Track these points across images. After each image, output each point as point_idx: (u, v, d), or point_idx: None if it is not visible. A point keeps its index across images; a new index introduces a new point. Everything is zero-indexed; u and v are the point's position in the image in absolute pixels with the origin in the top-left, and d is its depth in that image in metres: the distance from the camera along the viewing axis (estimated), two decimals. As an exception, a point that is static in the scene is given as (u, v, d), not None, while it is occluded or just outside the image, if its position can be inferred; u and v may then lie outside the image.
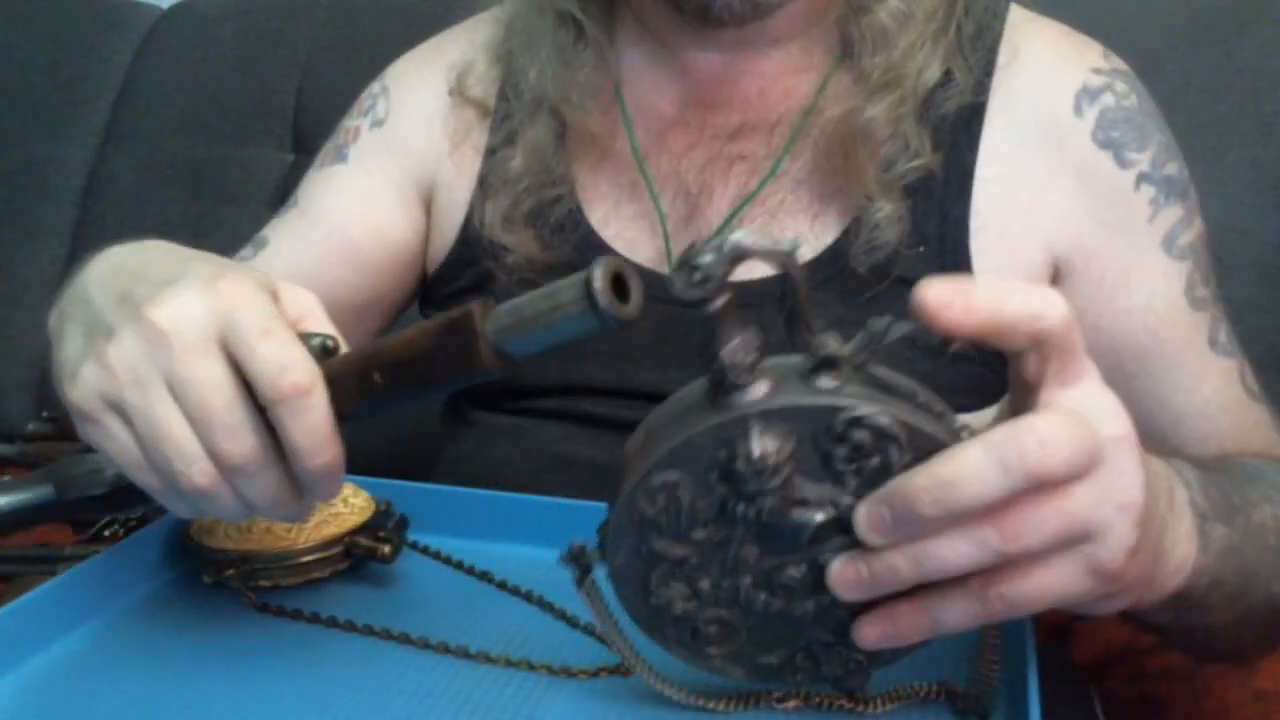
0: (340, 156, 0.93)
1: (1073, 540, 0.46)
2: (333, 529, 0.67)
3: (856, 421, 0.46)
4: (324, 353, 0.54)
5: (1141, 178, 0.78)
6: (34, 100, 1.66)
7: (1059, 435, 0.44)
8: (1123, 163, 0.78)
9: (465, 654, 0.60)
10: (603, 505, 0.62)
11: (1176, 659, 0.91)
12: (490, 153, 0.87)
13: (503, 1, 0.91)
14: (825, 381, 0.47)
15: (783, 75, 0.83)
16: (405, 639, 0.61)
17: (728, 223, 0.81)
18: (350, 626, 0.63)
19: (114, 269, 0.58)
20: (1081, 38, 0.84)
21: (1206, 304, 0.79)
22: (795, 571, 0.49)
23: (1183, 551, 0.54)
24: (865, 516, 0.47)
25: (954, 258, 0.77)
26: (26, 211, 1.61)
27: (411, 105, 0.92)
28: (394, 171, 0.91)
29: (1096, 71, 0.81)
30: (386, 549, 0.67)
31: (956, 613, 0.48)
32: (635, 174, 0.84)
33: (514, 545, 0.71)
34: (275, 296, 0.55)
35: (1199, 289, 0.79)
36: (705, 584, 0.51)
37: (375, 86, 0.95)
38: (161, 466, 0.52)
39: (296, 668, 0.60)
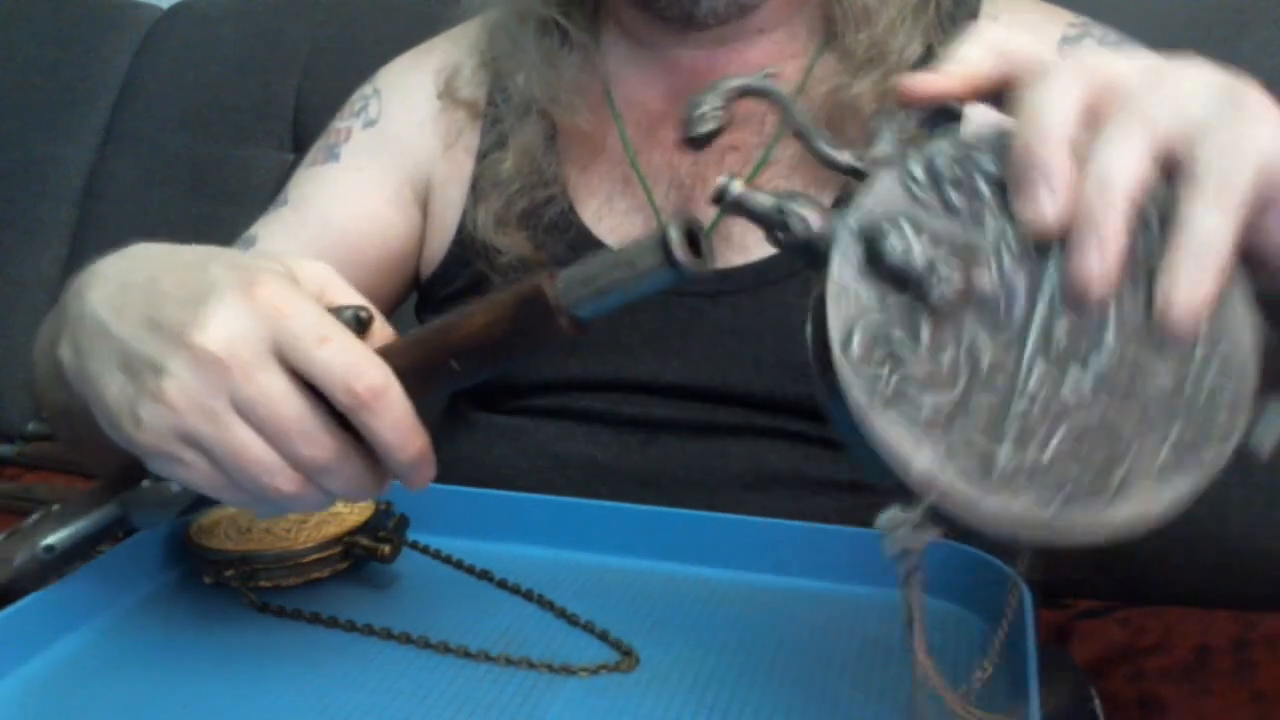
0: (332, 155, 0.93)
1: None
2: (333, 529, 0.67)
3: (931, 161, 0.45)
4: (358, 324, 0.54)
5: None
6: (34, 100, 1.66)
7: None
8: None
9: (465, 653, 0.60)
10: (602, 503, 0.63)
11: (1177, 659, 0.91)
12: (481, 156, 0.87)
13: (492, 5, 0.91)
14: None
15: (769, 63, 0.83)
16: (405, 638, 0.61)
17: (721, 215, 0.81)
18: (350, 626, 0.63)
19: (121, 289, 0.56)
20: (1057, 8, 0.84)
21: None
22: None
23: None
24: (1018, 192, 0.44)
25: None
26: (26, 211, 1.61)
27: (404, 107, 0.92)
28: (389, 170, 0.91)
29: (1072, 25, 0.82)
30: (386, 549, 0.67)
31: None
32: (627, 169, 0.84)
33: (514, 544, 0.71)
34: (295, 278, 0.55)
35: None
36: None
37: (366, 89, 0.96)
38: (248, 485, 0.52)
39: (296, 668, 0.59)
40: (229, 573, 0.66)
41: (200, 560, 0.67)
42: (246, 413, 0.51)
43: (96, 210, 1.59)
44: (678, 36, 0.83)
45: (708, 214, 0.81)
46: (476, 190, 0.87)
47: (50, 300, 1.69)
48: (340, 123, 0.95)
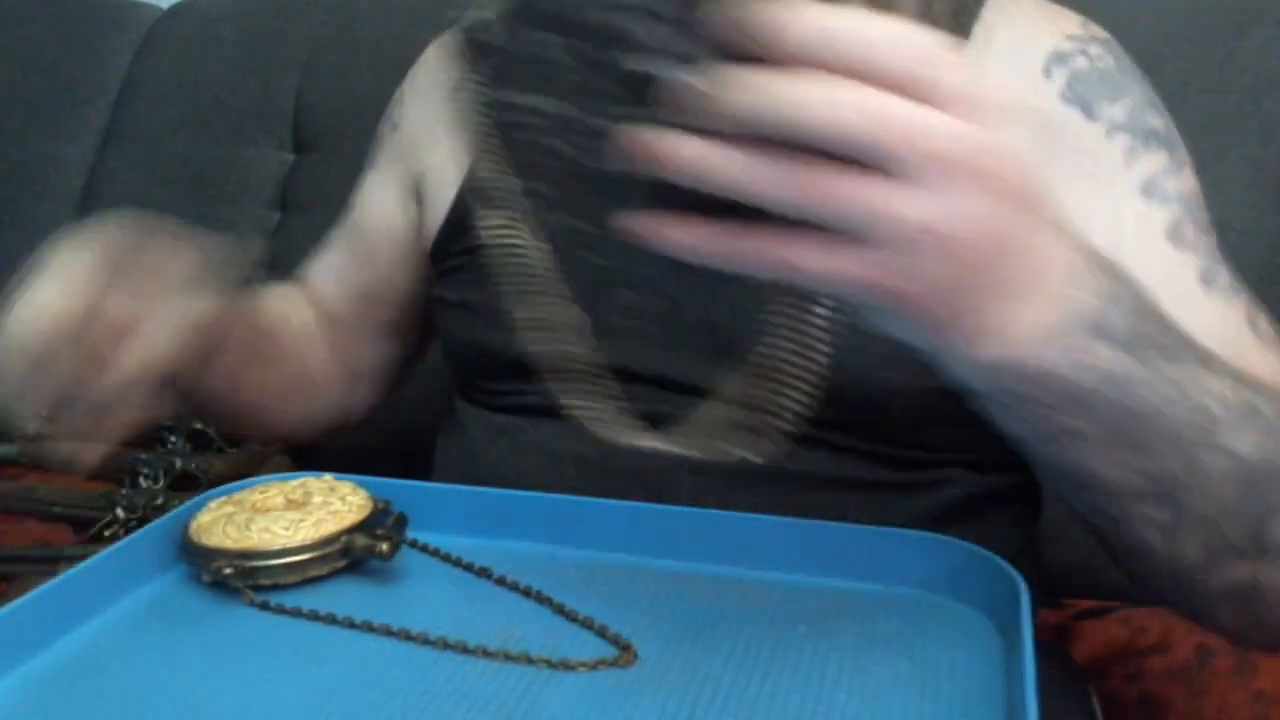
0: (371, 162, 0.99)
1: (855, 233, 0.45)
2: (331, 527, 0.67)
3: None
4: None
5: (1114, 128, 0.76)
6: (34, 100, 1.66)
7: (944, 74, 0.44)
8: (1091, 115, 0.76)
9: (463, 649, 0.59)
10: (600, 501, 0.63)
11: (1177, 659, 0.91)
12: (475, 148, 0.87)
13: None
14: None
15: None
16: (404, 635, 0.61)
17: None
18: (349, 623, 0.63)
19: None
20: (1060, 9, 0.82)
21: (1199, 247, 0.75)
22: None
23: (1026, 331, 0.51)
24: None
25: None
26: (26, 211, 1.62)
27: (419, 106, 0.96)
28: (401, 171, 0.95)
29: (1070, 38, 0.79)
30: (384, 546, 0.67)
31: (748, 245, 0.47)
32: None
33: (512, 542, 0.71)
34: None
35: (1188, 232, 0.75)
36: None
37: (398, 92, 0.99)
38: None
39: (296, 665, 0.60)
40: (228, 570, 0.66)
41: (199, 558, 0.67)
42: None
43: (96, 210, 1.58)
44: None
45: None
46: (467, 182, 0.88)
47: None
48: (381, 125, 0.99)
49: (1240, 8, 1.16)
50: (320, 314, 1.03)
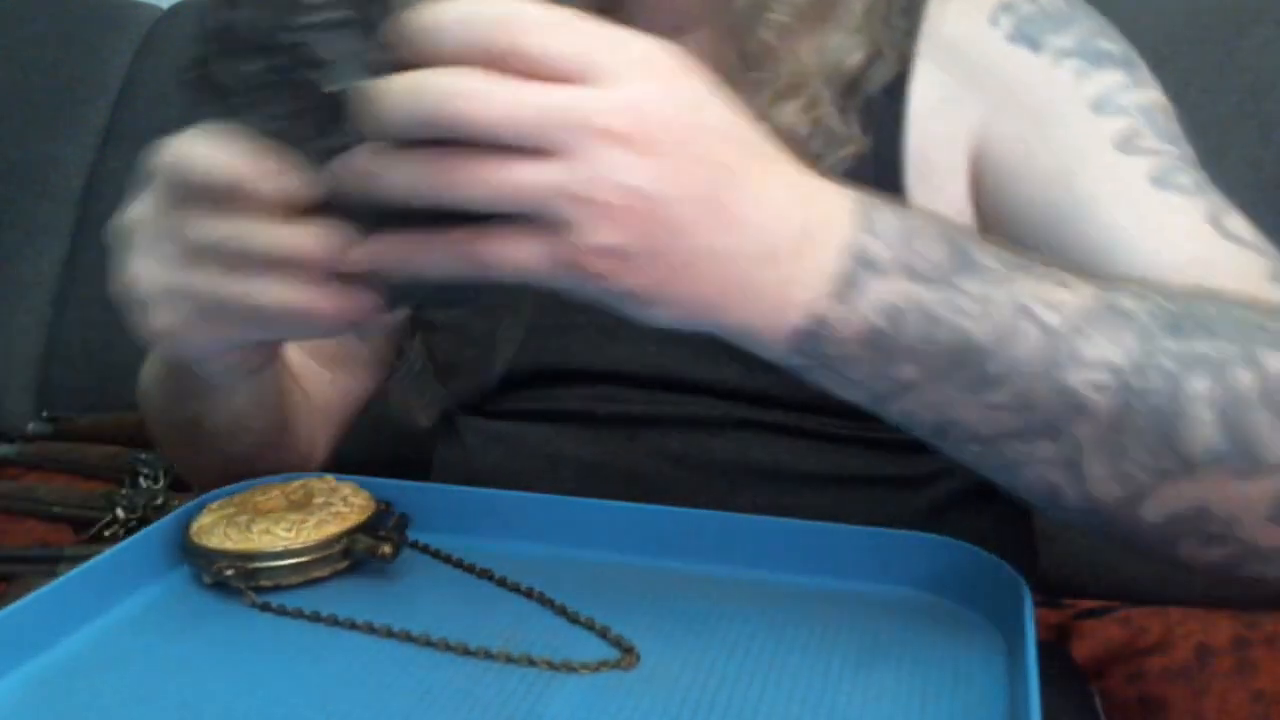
0: None
1: (521, 214, 0.46)
2: (333, 528, 0.67)
3: None
4: None
5: (1061, 54, 0.75)
6: (34, 100, 1.66)
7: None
8: (1038, 47, 0.75)
9: (465, 650, 0.59)
10: (602, 502, 0.63)
11: (1177, 659, 0.91)
12: None
13: None
14: None
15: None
16: (406, 636, 0.61)
17: None
18: (351, 625, 0.62)
19: None
20: None
21: (1154, 151, 0.71)
22: None
23: (789, 292, 0.50)
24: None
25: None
26: (26, 211, 1.61)
27: None
28: None
29: None
30: (387, 548, 0.67)
31: (428, 251, 0.49)
32: None
33: (515, 543, 0.71)
34: None
35: (1145, 140, 0.72)
36: None
37: None
38: None
39: (297, 666, 0.59)
40: (229, 572, 0.66)
41: (200, 560, 0.67)
42: None
43: (96, 210, 1.59)
44: None
45: None
46: None
47: (50, 300, 1.69)
48: None
49: (1240, 8, 1.16)
50: (290, 358, 1.01)
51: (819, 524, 0.66)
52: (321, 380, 1.00)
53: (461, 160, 0.46)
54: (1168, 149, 0.72)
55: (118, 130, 1.62)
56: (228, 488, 0.75)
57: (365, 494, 0.71)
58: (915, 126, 0.76)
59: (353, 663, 0.59)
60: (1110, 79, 0.74)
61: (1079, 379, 0.51)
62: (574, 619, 0.63)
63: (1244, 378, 0.52)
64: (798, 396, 0.74)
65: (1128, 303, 0.53)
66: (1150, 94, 0.75)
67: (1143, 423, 0.52)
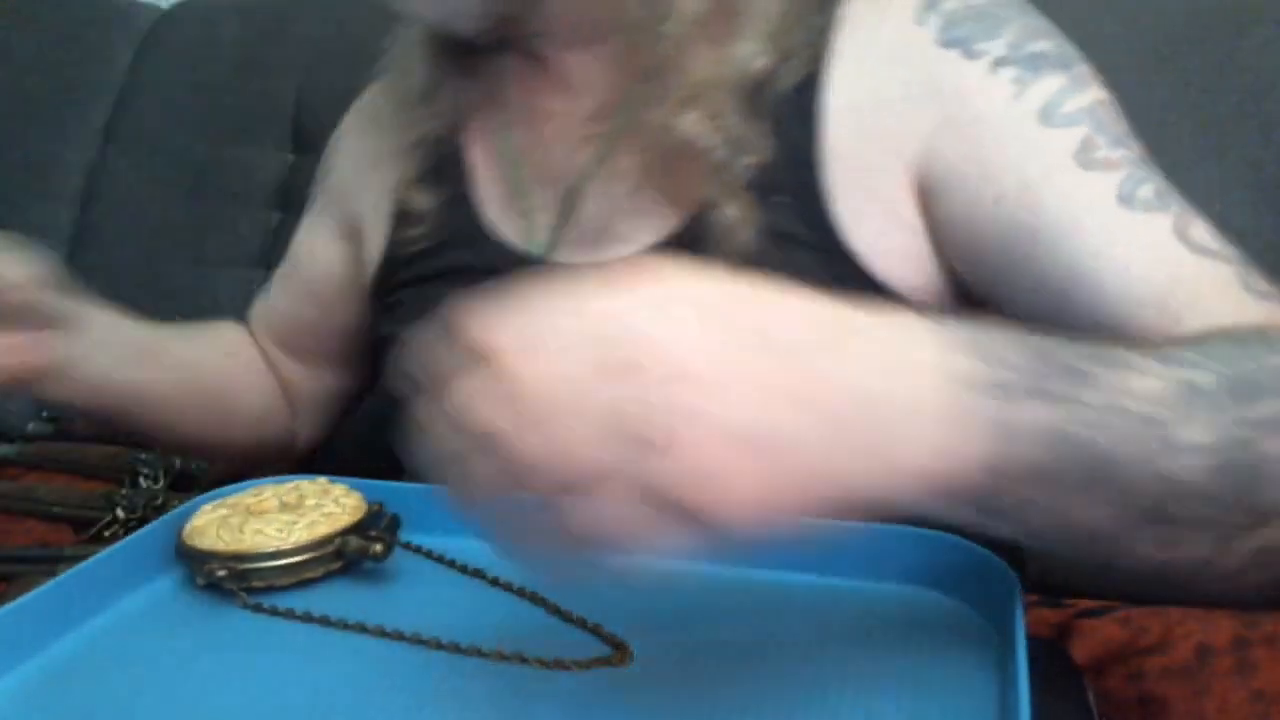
0: (310, 204, 1.02)
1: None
2: (325, 529, 0.68)
3: None
4: None
5: (997, 62, 0.73)
6: (34, 100, 1.66)
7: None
8: (972, 54, 0.74)
9: (457, 649, 0.60)
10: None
11: (1177, 658, 0.91)
12: (402, 187, 0.90)
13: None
14: None
15: (597, 73, 0.83)
16: (398, 635, 0.61)
17: (572, 200, 0.82)
18: (343, 625, 0.63)
19: None
20: None
21: (1113, 164, 0.70)
22: None
23: (928, 445, 0.46)
24: None
25: (808, 195, 0.75)
26: (26, 211, 1.62)
27: (344, 151, 0.99)
28: (335, 214, 0.99)
29: None
30: (378, 547, 0.67)
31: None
32: (518, 172, 0.86)
33: None
34: None
35: (1100, 150, 0.71)
36: None
37: (334, 136, 1.02)
38: None
39: (289, 666, 0.60)
40: (221, 573, 0.66)
41: (193, 561, 0.67)
42: None
43: (96, 210, 1.59)
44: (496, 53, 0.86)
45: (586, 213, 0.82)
46: (397, 219, 0.90)
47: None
48: (320, 168, 1.03)
49: (1240, 8, 1.16)
50: (267, 351, 1.06)
51: (811, 521, 0.66)
52: (296, 372, 1.04)
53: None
54: (1123, 155, 0.72)
55: (118, 130, 1.62)
56: (220, 490, 0.75)
57: (357, 495, 0.71)
58: (834, 126, 0.76)
59: (344, 662, 0.60)
60: (1051, 85, 0.73)
61: (1176, 465, 0.51)
62: (566, 617, 0.63)
63: None
64: None
65: (1197, 377, 0.53)
66: (1092, 93, 0.74)
67: (1228, 493, 0.52)
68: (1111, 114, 0.74)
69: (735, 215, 0.74)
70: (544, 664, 0.58)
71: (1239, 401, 0.53)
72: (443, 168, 0.88)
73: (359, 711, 0.55)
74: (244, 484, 0.75)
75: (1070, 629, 0.96)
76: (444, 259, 0.86)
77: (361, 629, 0.62)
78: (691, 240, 0.75)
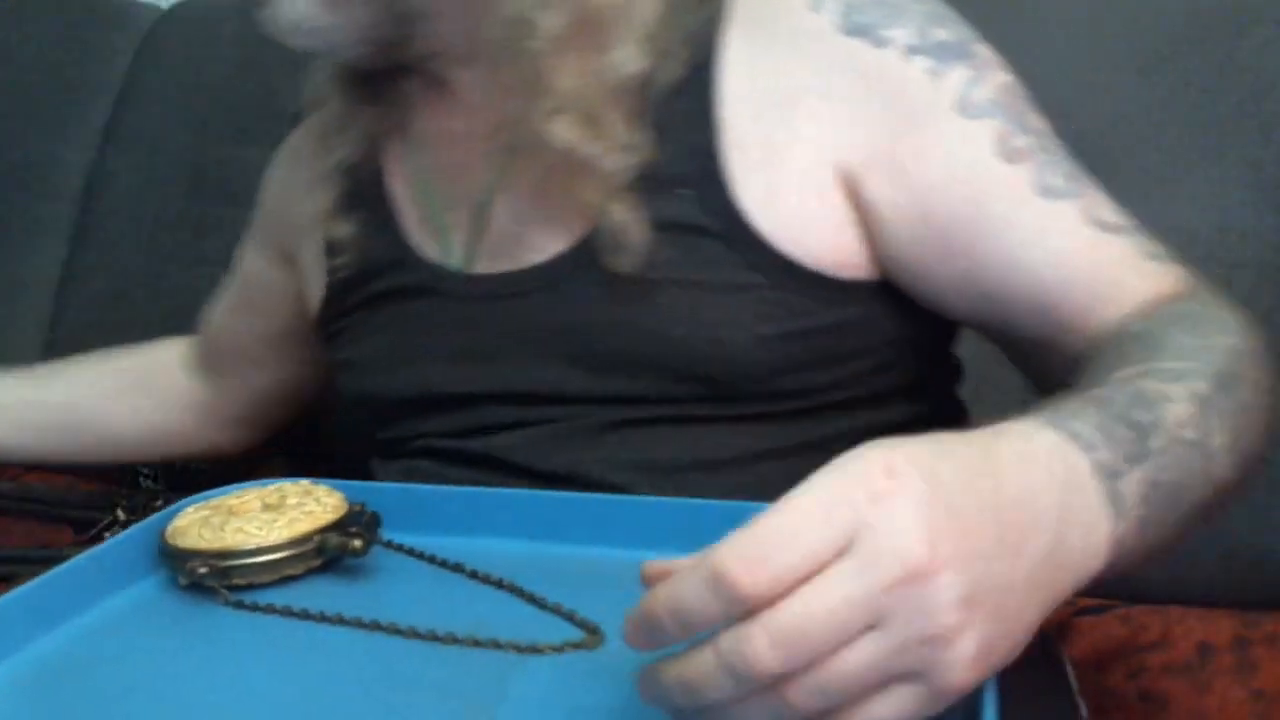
0: (252, 220, 1.08)
1: (887, 683, 0.43)
2: (305, 526, 0.68)
3: None
4: None
5: (909, 50, 0.75)
6: (34, 100, 1.66)
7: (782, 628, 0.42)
8: (880, 41, 0.75)
9: (433, 637, 0.60)
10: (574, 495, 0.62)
11: (1178, 656, 0.91)
12: (327, 219, 0.91)
13: None
14: None
15: (489, 91, 0.84)
16: (375, 626, 0.62)
17: (482, 215, 0.83)
18: (321, 618, 0.63)
19: None
20: None
21: (1026, 154, 0.74)
22: None
23: (1096, 538, 0.51)
24: (630, 636, 0.46)
25: (710, 185, 0.76)
26: (26, 211, 1.62)
27: (274, 180, 1.04)
28: (270, 237, 1.04)
29: None
30: (358, 543, 0.67)
31: None
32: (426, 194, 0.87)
33: (487, 539, 0.71)
34: None
35: (1015, 140, 0.75)
36: None
37: (269, 167, 1.06)
38: None
39: (269, 659, 0.60)
40: (202, 570, 0.66)
41: (175, 561, 0.68)
42: None
43: (96, 210, 1.59)
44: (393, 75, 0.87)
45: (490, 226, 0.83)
46: (328, 249, 0.92)
47: (50, 300, 1.68)
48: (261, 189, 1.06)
49: (1240, 8, 1.16)
50: (202, 360, 1.13)
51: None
52: (213, 388, 1.13)
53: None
54: (1033, 143, 0.75)
55: (118, 130, 1.62)
56: (204, 493, 0.75)
57: (339, 495, 0.72)
58: (731, 116, 0.76)
59: (322, 653, 0.60)
60: (961, 75, 0.75)
61: (1217, 470, 0.60)
62: (542, 605, 0.63)
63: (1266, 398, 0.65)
64: (652, 393, 0.77)
65: (1199, 387, 0.61)
66: (997, 78, 0.76)
67: (1240, 468, 0.62)
68: (1015, 97, 0.77)
69: (623, 217, 0.75)
70: (518, 648, 0.58)
71: (1228, 395, 0.62)
72: (364, 194, 0.90)
73: (333, 698, 0.56)
74: (228, 487, 0.76)
75: (1070, 626, 0.96)
76: (379, 283, 0.88)
77: (340, 621, 0.62)
78: (599, 244, 0.76)
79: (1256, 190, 1.09)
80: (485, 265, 0.83)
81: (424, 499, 0.74)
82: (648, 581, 0.47)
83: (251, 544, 0.67)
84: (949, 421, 0.85)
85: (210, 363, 1.13)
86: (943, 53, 0.75)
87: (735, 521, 0.66)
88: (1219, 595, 1.00)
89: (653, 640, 0.46)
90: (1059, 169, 0.75)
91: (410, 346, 0.85)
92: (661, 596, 0.44)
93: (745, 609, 0.42)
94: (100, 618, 0.66)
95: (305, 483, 0.74)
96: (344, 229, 0.90)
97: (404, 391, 0.86)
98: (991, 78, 0.76)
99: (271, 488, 0.73)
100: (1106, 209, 0.75)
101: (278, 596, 0.66)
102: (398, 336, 0.87)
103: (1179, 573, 1.03)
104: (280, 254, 1.02)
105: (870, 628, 0.43)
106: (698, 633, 0.44)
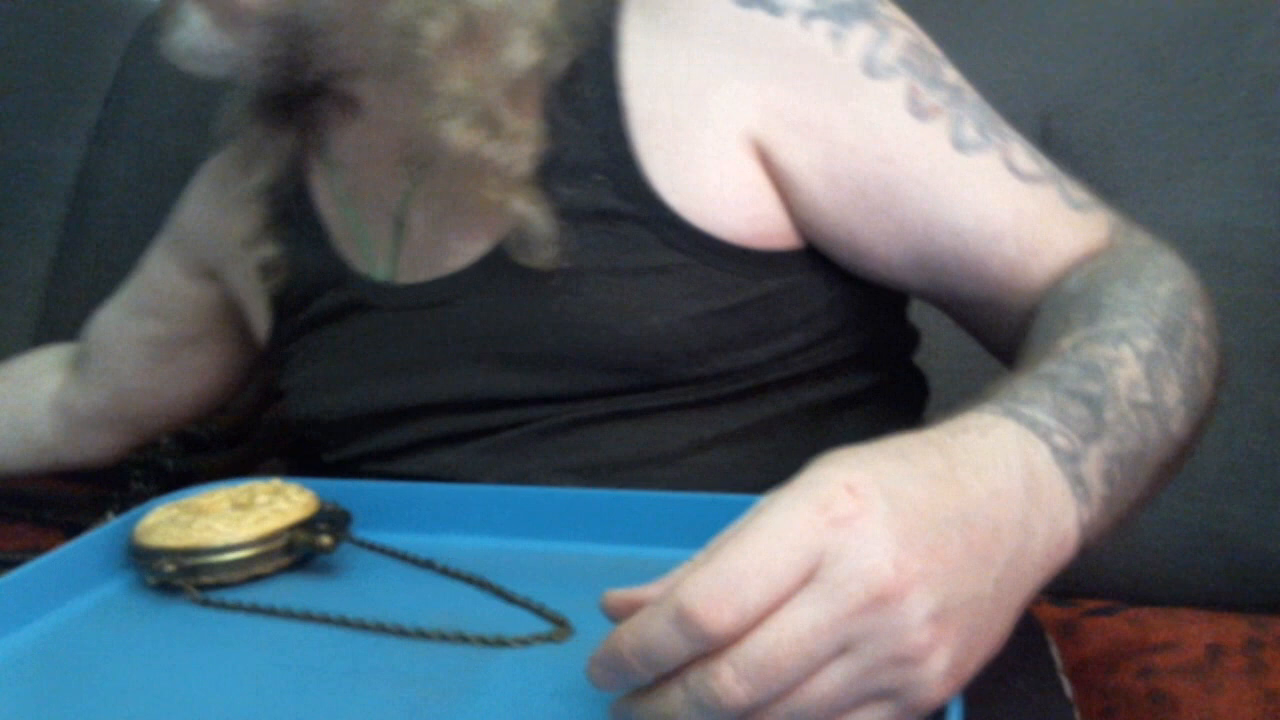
0: (165, 232, 1.08)
1: (861, 704, 0.43)
2: (274, 523, 0.67)
3: None
4: None
5: (806, 16, 0.74)
6: (26, 97, 1.66)
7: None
8: (775, 10, 0.74)
9: (401, 632, 0.60)
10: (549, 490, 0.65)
11: (1187, 657, 0.91)
12: (255, 242, 0.91)
13: None
14: None
15: (393, 103, 0.83)
16: (343, 622, 0.61)
17: (401, 227, 0.84)
18: (289, 614, 0.63)
19: None
20: None
21: (938, 110, 0.74)
22: None
23: (1063, 527, 0.51)
24: (596, 676, 0.46)
25: (624, 168, 0.75)
26: (19, 210, 1.61)
27: (195, 198, 1.03)
28: (183, 254, 1.04)
29: None
30: (326, 540, 0.66)
31: None
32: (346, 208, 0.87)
33: (458, 535, 0.71)
34: None
35: (925, 97, 0.74)
36: None
37: (189, 186, 1.06)
38: None
39: (235, 655, 0.60)
40: (169, 568, 0.65)
41: (143, 559, 0.67)
42: None
43: (88, 208, 1.58)
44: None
45: (416, 233, 0.83)
46: (265, 273, 0.91)
47: (40, 299, 1.68)
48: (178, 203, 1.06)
49: (1240, 7, 1.16)
50: (79, 362, 1.12)
51: (732, 497, 0.65)
52: (83, 396, 1.11)
53: None
54: (943, 98, 0.75)
55: (110, 128, 1.62)
56: (175, 494, 0.75)
57: (309, 494, 0.72)
58: (636, 98, 0.76)
59: (290, 649, 0.60)
60: (864, 35, 0.74)
61: (1175, 426, 0.60)
62: (511, 599, 0.63)
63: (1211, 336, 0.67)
64: (588, 388, 0.76)
65: (1144, 344, 0.61)
66: (901, 36, 0.76)
67: (1195, 418, 0.63)
68: (922, 54, 0.76)
69: (529, 211, 0.75)
70: (485, 641, 0.58)
71: (1173, 346, 0.62)
72: (293, 214, 0.90)
73: (300, 692, 0.56)
74: (198, 488, 0.75)
75: (1077, 625, 0.96)
76: (319, 303, 0.88)
77: (309, 618, 0.62)
78: (517, 243, 0.76)
79: (1259, 188, 1.09)
80: (409, 275, 0.83)
81: (396, 497, 0.74)
82: (610, 613, 0.47)
83: (219, 541, 0.66)
84: (907, 390, 0.86)
85: (89, 364, 1.12)
86: (843, 14, 0.74)
87: (702, 513, 0.67)
88: (1226, 599, 1.00)
89: (620, 680, 0.45)
90: (972, 122, 0.75)
91: (347, 366, 0.85)
92: (627, 638, 0.44)
93: (714, 645, 0.42)
94: (67, 617, 0.66)
95: (276, 481, 0.73)
96: (276, 251, 0.90)
97: (344, 412, 0.85)
98: (897, 35, 0.75)
99: (242, 487, 0.73)
100: (1024, 158, 0.75)
101: (247, 595, 0.66)
102: (336, 356, 0.87)
103: (1186, 577, 1.02)
104: (200, 269, 1.02)
105: (841, 652, 0.42)
106: (668, 671, 0.43)
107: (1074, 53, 1.18)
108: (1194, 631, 0.93)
